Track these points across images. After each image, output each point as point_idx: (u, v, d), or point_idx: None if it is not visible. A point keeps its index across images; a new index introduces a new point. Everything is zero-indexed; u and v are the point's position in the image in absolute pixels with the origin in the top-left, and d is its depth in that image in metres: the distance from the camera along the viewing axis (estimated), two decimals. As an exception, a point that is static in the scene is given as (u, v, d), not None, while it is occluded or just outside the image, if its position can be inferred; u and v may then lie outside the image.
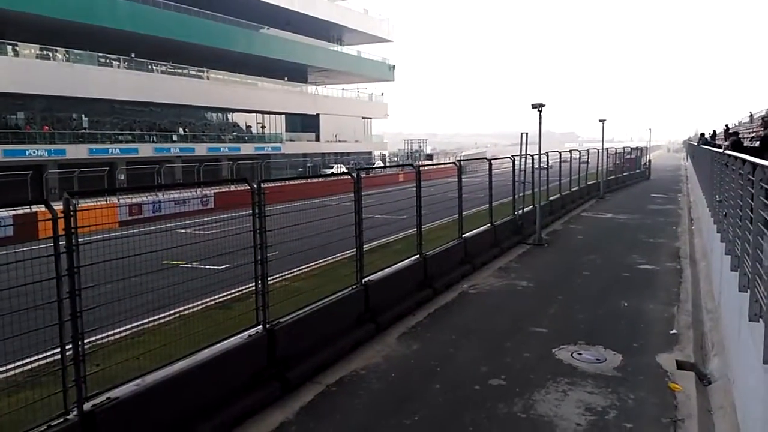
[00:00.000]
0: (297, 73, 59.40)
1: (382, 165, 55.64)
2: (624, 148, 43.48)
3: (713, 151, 14.01)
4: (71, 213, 4.80)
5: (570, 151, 27.05)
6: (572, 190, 26.09)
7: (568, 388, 7.14)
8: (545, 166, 20.36)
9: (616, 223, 21.73)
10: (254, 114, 53.95)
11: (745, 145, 14.73)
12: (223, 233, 7.12)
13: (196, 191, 29.09)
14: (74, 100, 38.62)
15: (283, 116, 57.09)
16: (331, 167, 51.21)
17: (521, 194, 17.91)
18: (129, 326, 8.07)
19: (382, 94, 73.87)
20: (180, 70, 46.67)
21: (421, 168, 11.66)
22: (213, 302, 9.61)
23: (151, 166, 35.62)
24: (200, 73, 48.46)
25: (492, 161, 16.38)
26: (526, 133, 18.56)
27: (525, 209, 17.83)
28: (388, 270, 10.03)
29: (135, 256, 5.60)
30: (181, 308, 8.02)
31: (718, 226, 10.29)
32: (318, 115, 60.51)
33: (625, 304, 10.79)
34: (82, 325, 4.93)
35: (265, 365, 6.84)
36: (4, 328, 4.56)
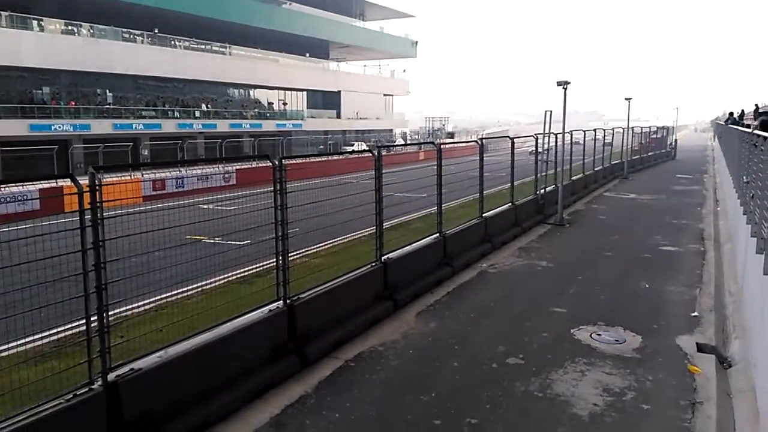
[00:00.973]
0: (319, 50, 59.06)
1: (402, 143, 55.42)
2: (650, 127, 42.63)
3: (741, 130, 13.68)
4: (96, 187, 4.87)
5: (594, 130, 26.62)
6: (596, 169, 25.73)
7: (586, 368, 7.13)
8: (569, 144, 20.07)
9: (639, 204, 21.43)
10: (276, 90, 53.88)
11: (775, 125, 14.33)
12: (244, 209, 7.17)
13: (218, 167, 29.33)
14: (99, 75, 38.93)
15: (305, 93, 56.95)
16: (352, 144, 51.18)
17: (543, 173, 17.72)
18: (152, 299, 8.28)
19: (404, 70, 73.23)
20: (203, 47, 46.71)
21: (442, 146, 11.59)
22: (234, 277, 9.78)
23: (174, 141, 35.91)
24: (223, 50, 48.41)
25: (514, 139, 16.20)
26: (550, 111, 18.28)
27: (547, 189, 17.65)
28: (407, 248, 10.04)
29: (158, 231, 5.68)
30: (203, 283, 8.20)
31: (745, 208, 10.08)
32: (339, 92, 60.25)
33: (647, 286, 10.68)
34: (107, 298, 5.03)
35: (285, 340, 6.94)
36: (31, 299, 4.69)
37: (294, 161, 9.45)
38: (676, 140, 50.30)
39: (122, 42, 40.36)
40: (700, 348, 7.75)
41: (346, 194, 8.97)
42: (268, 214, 6.98)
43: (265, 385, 6.49)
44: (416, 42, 71.29)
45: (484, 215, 13.08)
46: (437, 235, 11.01)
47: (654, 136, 42.06)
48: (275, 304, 6.98)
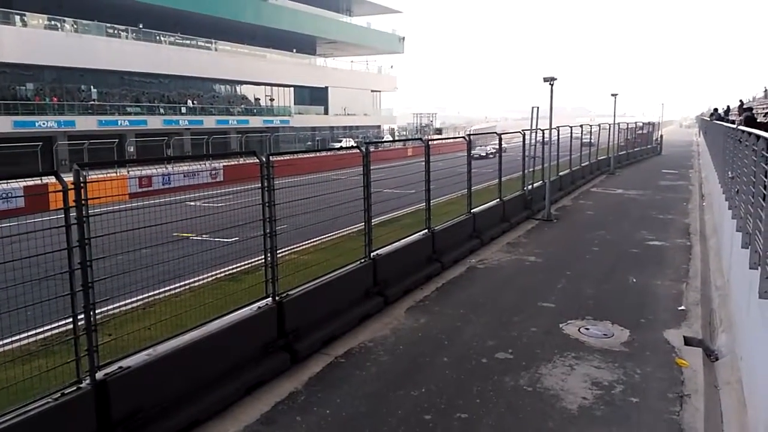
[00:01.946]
0: (305, 45, 58.81)
1: (391, 139, 55.38)
2: (636, 123, 42.97)
3: (726, 126, 13.82)
4: (81, 184, 4.81)
5: (581, 126, 26.78)
6: (582, 165, 25.88)
7: (574, 362, 7.18)
8: (554, 141, 20.17)
9: (626, 199, 21.60)
10: (263, 86, 53.61)
11: (759, 120, 14.50)
12: (232, 206, 7.13)
13: (205, 164, 29.13)
14: (83, 71, 38.45)
15: (292, 89, 56.69)
16: (340, 141, 51.06)
17: (531, 169, 17.80)
18: (140, 297, 8.21)
19: (392, 66, 73.17)
20: (188, 42, 46.32)
21: (430, 142, 11.59)
22: (223, 274, 9.73)
23: (160, 138, 35.60)
24: (208, 45, 48.03)
25: (502, 135, 16.24)
26: (537, 108, 18.36)
27: (534, 184, 17.73)
28: (396, 244, 10.05)
29: (145, 228, 5.62)
30: (192, 280, 8.14)
31: (730, 203, 10.19)
32: (327, 88, 60.02)
33: (634, 280, 10.77)
34: (94, 296, 4.98)
35: (275, 336, 6.91)
36: (17, 298, 4.62)
37: (281, 158, 9.42)
38: (661, 136, 50.74)
39: (106, 37, 39.90)
40: (688, 341, 7.84)
41: (334, 191, 8.94)
42: (256, 211, 6.94)
43: (255, 382, 6.47)
44: (403, 38, 71.24)
45: (472, 211, 13.11)
46: (426, 231, 11.02)
47: (640, 131, 42.38)
48: (264, 301, 6.95)
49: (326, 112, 60.28)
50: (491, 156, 17.32)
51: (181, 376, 5.72)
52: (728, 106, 28.40)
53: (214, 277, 9.51)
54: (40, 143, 29.11)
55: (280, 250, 7.23)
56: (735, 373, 6.56)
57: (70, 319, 4.91)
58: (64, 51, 36.24)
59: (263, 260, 7.05)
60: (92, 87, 39.74)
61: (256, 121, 49.62)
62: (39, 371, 4.96)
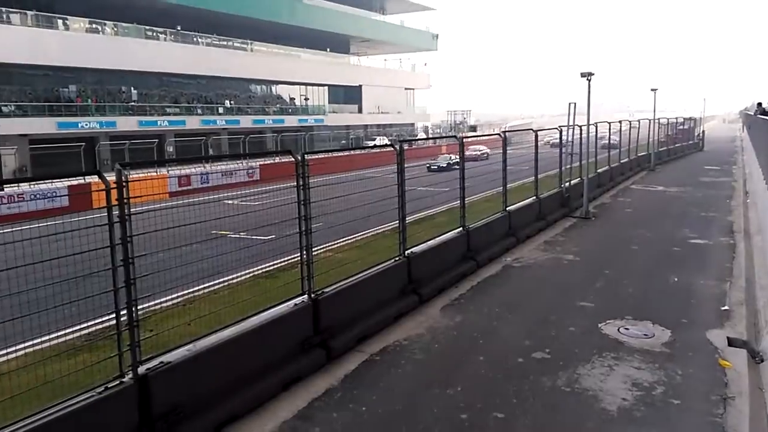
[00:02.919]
0: (340, 44, 59.11)
1: (424, 137, 55.20)
2: (676, 118, 41.84)
3: (774, 120, 13.33)
4: (123, 183, 4.93)
5: (620, 122, 26.21)
6: (622, 161, 25.35)
7: (614, 363, 7.04)
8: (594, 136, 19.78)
9: (667, 196, 21.07)
10: (297, 86, 54.11)
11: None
12: (268, 205, 7.21)
13: (242, 163, 29.58)
14: (123, 73, 39.45)
15: (326, 88, 57.05)
16: (374, 139, 51.15)
17: (568, 166, 17.51)
18: (180, 294, 8.38)
19: (425, 64, 72.91)
20: (224, 43, 47.06)
21: (464, 140, 11.51)
22: (260, 271, 9.85)
23: (198, 138, 36.27)
24: (244, 46, 48.74)
25: (538, 132, 16.02)
26: (574, 103, 18.03)
27: (572, 182, 17.44)
28: (430, 242, 10.02)
29: (185, 226, 5.74)
30: (230, 277, 8.28)
31: (777, 200, 9.84)
32: (360, 86, 60.23)
33: (675, 280, 10.50)
34: (136, 292, 5.10)
35: (310, 333, 6.98)
36: (62, 294, 4.78)
37: (316, 156, 9.48)
38: (703, 131, 49.30)
39: (145, 39, 40.85)
40: (731, 342, 7.60)
41: (368, 189, 8.97)
42: (292, 209, 7.01)
43: (292, 378, 6.54)
44: (437, 35, 70.96)
45: (507, 209, 12.97)
46: (461, 229, 10.96)
47: (681, 127, 41.23)
48: (300, 298, 7.02)
49: (360, 111, 60.49)
50: (568, 145, 17.16)
51: (220, 371, 5.82)
52: (774, 100, 27.37)
53: (251, 275, 9.64)
54: (83, 143, 29.99)
55: (315, 248, 7.28)
56: (783, 375, 6.35)
57: (113, 315, 5.05)
58: (105, 53, 37.26)
59: (299, 258, 7.12)
60: (132, 88, 40.74)
61: (291, 121, 50.14)
62: (83, 366, 5.12)
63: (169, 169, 25.96)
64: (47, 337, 6.05)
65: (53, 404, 4.53)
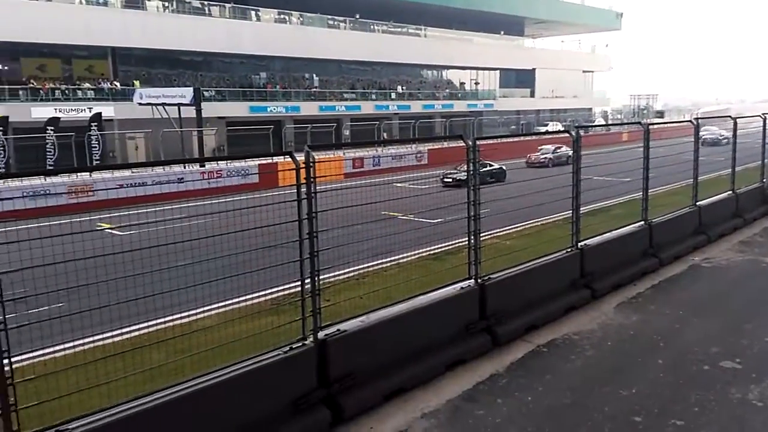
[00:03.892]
0: (514, 27, 57.61)
1: (603, 123, 51.97)
2: None
3: None
4: (311, 164, 5.31)
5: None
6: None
7: (822, 383, 6.12)
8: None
9: None
10: (468, 70, 53.86)
11: None
12: (436, 188, 7.31)
13: (411, 147, 30.31)
14: (307, 60, 42.38)
15: (498, 72, 56.10)
16: (546, 125, 49.36)
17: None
18: (353, 268, 8.89)
19: (607, 45, 68.30)
20: (399, 29, 48.28)
21: (649, 127, 10.63)
22: (426, 253, 10.07)
23: (371, 123, 37.85)
24: (418, 32, 49.58)
25: (737, 120, 14.26)
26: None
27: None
28: (607, 235, 9.46)
29: (359, 206, 6.05)
30: (398, 256, 8.58)
31: None
32: (534, 69, 58.25)
33: None
34: (318, 264, 5.50)
35: (476, 318, 6.98)
36: (250, 262, 5.29)
37: (487, 141, 9.39)
38: None
39: (327, 29, 43.36)
40: None
41: (539, 176, 8.69)
42: (459, 194, 7.02)
43: (455, 360, 6.61)
44: (621, 14, 65.96)
45: (698, 203, 11.76)
46: (642, 223, 10.19)
47: None
48: (467, 282, 7.04)
49: (532, 95, 58.63)
50: (724, 142, 15.12)
51: (389, 344, 6.06)
52: None
53: (418, 256, 9.87)
54: (272, 126, 32.80)
55: (482, 234, 7.25)
56: None
57: (298, 283, 5.50)
58: (292, 42, 40.25)
59: (465, 243, 7.14)
60: (315, 75, 43.61)
61: (460, 105, 50.17)
62: (269, 327, 5.65)
63: (345, 151, 27.45)
64: (239, 299, 6.80)
65: (248, 357, 5.08)
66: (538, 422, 5.54)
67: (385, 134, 39.10)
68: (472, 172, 6.95)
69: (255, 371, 4.97)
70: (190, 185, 22.20)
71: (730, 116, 15.81)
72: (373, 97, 45.68)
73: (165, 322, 6.05)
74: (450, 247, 9.91)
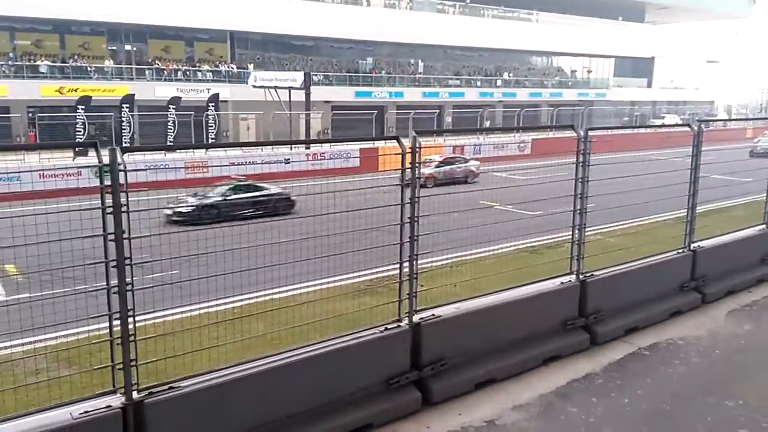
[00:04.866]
0: (633, 12, 54.26)
1: (726, 117, 48.12)
2: None
3: None
4: (417, 149, 5.39)
5: None
6: None
7: None
8: None
9: None
10: (580, 58, 51.59)
11: None
12: (538, 180, 7.17)
13: (513, 136, 29.68)
14: (413, 46, 42.42)
15: (612, 60, 53.27)
16: (662, 117, 46.42)
17: None
18: (448, 256, 8.92)
19: (736, 33, 62.71)
20: (509, 14, 47.03)
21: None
22: (524, 246, 9.92)
23: (474, 110, 37.42)
24: (529, 16, 48.05)
25: None
26: None
27: None
28: (723, 238, 8.89)
29: (457, 194, 6.07)
30: (495, 247, 8.51)
31: None
32: (653, 58, 54.76)
33: None
34: (417, 248, 5.59)
35: (575, 315, 6.83)
36: (349, 243, 5.47)
37: (600, 133, 9.03)
38: None
39: (435, 13, 43.07)
40: None
41: (651, 172, 8.26)
42: (561, 187, 6.83)
43: (551, 356, 6.53)
44: (755, -2, 60.27)
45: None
46: (764, 226, 9.45)
47: None
48: (567, 278, 6.89)
49: (649, 85, 55.23)
50: None
51: (482, 333, 6.08)
52: None
53: (515, 247, 9.74)
54: (375, 111, 33.30)
55: (587, 230, 7.03)
56: None
57: (396, 266, 5.61)
58: (399, 28, 40.42)
59: (567, 237, 6.96)
60: (420, 61, 43.58)
61: (569, 94, 48.32)
62: (366, 307, 5.85)
63: (446, 138, 27.36)
64: (335, 278, 7.02)
65: (345, 333, 5.31)
66: (633, 426, 5.39)
67: (488, 122, 38.50)
68: (581, 163, 6.74)
69: (353, 347, 5.19)
70: (296, 166, 23.12)
71: None
72: (478, 83, 44.99)
73: (265, 295, 6.39)
74: (549, 241, 9.71)
